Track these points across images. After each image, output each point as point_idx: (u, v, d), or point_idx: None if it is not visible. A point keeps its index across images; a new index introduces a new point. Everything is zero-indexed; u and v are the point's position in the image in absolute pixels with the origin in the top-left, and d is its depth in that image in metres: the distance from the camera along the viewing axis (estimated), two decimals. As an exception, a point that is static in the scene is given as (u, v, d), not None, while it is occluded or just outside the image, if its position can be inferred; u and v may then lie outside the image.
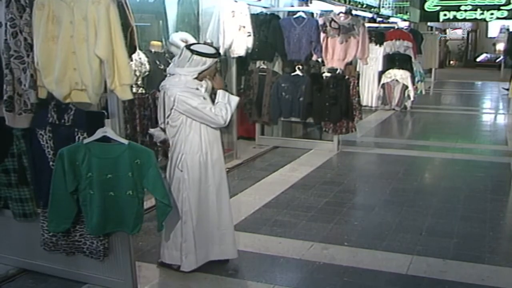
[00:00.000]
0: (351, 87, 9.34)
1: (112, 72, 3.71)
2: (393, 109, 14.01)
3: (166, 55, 6.66)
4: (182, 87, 4.24)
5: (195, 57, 4.24)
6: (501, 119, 14.52)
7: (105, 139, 3.89)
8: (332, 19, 8.81)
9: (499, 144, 10.52)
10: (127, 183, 3.90)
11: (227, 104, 4.38)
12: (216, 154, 4.50)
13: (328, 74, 8.94)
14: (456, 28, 35.53)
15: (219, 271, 4.60)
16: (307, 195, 6.87)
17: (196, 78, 4.29)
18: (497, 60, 30.90)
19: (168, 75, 4.40)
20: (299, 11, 9.13)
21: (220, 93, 4.43)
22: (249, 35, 8.17)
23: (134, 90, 5.94)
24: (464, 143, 10.50)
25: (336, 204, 6.49)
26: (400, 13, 20.45)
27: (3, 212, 4.55)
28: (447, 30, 35.41)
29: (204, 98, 4.30)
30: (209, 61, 4.27)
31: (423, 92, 16.27)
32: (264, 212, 6.21)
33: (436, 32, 23.28)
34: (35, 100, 3.93)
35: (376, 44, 13.54)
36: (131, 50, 4.11)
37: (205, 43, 4.70)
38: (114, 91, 3.78)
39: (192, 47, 4.31)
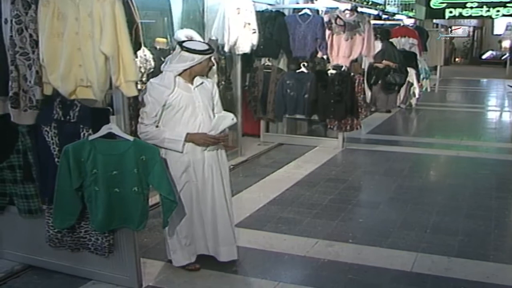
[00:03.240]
0: (356, 84, 9.34)
1: (117, 68, 3.71)
2: (398, 107, 13.98)
3: (171, 52, 6.66)
4: (158, 81, 4.31)
5: (183, 53, 4.22)
6: (507, 117, 14.50)
7: (110, 135, 3.89)
8: (338, 16, 8.79)
9: (504, 142, 10.52)
10: (133, 179, 3.90)
11: (162, 139, 4.23)
12: (193, 155, 4.33)
13: (333, 71, 8.92)
14: (457, 27, 35.22)
15: (223, 268, 4.59)
16: (312, 192, 6.87)
17: (184, 75, 4.29)
18: (503, 58, 30.88)
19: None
20: (304, 8, 9.14)
21: (176, 135, 4.25)
22: (254, 32, 8.16)
23: (139, 86, 5.94)
24: (469, 140, 10.46)
25: (341, 201, 6.49)
26: (406, 10, 20.43)
27: (8, 208, 4.56)
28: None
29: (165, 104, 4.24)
30: (197, 57, 4.22)
31: (429, 90, 16.23)
32: (269, 209, 6.21)
33: (442, 30, 23.22)
34: (40, 97, 3.94)
35: (381, 42, 13.50)
36: (136, 47, 4.10)
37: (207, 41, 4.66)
38: (120, 87, 3.79)
39: (183, 43, 4.30)
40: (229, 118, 4.42)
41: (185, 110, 4.26)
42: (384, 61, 12.07)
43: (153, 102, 4.21)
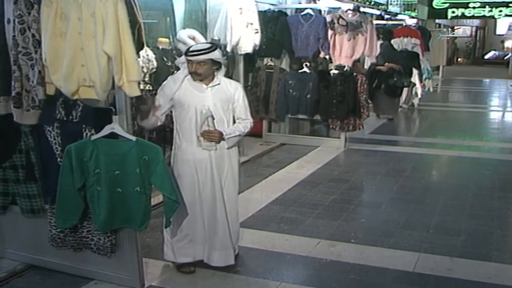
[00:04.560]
0: (358, 84, 9.33)
1: (120, 68, 3.71)
2: (401, 107, 13.94)
3: (174, 52, 6.67)
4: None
5: None
6: (509, 117, 14.49)
7: (112, 135, 3.90)
8: (340, 16, 8.80)
9: (506, 142, 10.49)
10: (135, 179, 3.91)
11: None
12: (193, 155, 4.34)
13: (336, 71, 8.93)
14: (459, 27, 35.04)
15: (226, 268, 4.58)
16: (314, 192, 6.87)
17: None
18: (505, 58, 30.82)
19: None
20: (306, 8, 9.14)
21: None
22: (257, 32, 8.16)
23: (142, 86, 5.95)
24: (472, 140, 10.47)
25: (343, 201, 6.49)
26: (408, 10, 20.40)
27: (11, 208, 4.57)
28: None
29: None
30: (183, 57, 4.37)
31: (431, 90, 16.21)
32: (271, 209, 6.21)
33: (445, 30, 23.15)
34: (43, 97, 3.94)
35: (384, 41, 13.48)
36: (138, 46, 4.11)
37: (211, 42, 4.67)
38: (122, 87, 3.79)
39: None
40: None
41: (193, 109, 4.28)
42: (386, 64, 11.87)
43: (161, 95, 4.36)
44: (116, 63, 3.69)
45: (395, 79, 11.82)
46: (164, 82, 4.43)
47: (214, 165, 4.38)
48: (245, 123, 4.54)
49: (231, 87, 4.49)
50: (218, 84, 4.39)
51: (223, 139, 4.36)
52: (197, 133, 4.29)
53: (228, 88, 4.45)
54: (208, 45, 4.33)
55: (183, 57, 4.38)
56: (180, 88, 4.31)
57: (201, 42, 5.24)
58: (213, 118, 4.30)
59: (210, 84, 4.35)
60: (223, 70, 4.49)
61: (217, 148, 4.37)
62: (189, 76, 4.33)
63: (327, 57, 9.17)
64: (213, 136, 4.29)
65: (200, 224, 4.46)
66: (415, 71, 13.44)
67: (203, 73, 4.29)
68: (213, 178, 4.39)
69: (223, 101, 4.40)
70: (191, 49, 4.27)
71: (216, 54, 4.32)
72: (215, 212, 4.44)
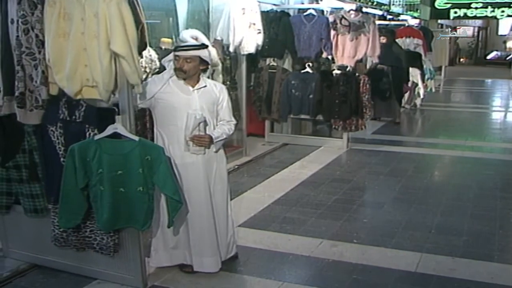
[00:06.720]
0: (361, 84, 9.33)
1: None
2: (403, 107, 13.94)
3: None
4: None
5: None
6: (511, 117, 14.45)
7: (116, 135, 3.90)
8: (343, 17, 8.81)
9: (508, 142, 10.48)
10: (138, 179, 3.91)
11: None
12: (181, 159, 4.28)
13: (338, 72, 8.93)
14: (459, 27, 34.90)
15: (228, 267, 4.60)
16: (317, 192, 6.87)
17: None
18: (508, 58, 30.79)
19: None
20: (309, 8, 9.15)
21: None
22: (259, 32, 8.16)
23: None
24: (474, 141, 10.47)
25: (345, 202, 6.49)
26: (411, 10, 20.41)
27: (14, 208, 4.58)
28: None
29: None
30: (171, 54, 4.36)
31: (433, 90, 16.19)
32: (273, 209, 6.21)
33: (447, 30, 23.15)
34: (46, 97, 3.96)
35: (386, 42, 13.46)
36: (141, 47, 4.11)
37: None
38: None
39: None
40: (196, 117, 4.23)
41: (180, 111, 4.22)
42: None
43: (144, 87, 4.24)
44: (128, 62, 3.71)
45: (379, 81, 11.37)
46: (149, 79, 4.41)
47: (203, 169, 4.34)
48: (230, 125, 4.49)
49: (216, 89, 4.44)
50: (205, 86, 4.35)
51: (213, 143, 4.33)
52: (185, 137, 4.23)
53: (213, 90, 4.41)
54: (198, 43, 4.32)
55: (170, 55, 4.35)
56: (164, 89, 4.24)
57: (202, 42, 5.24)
58: (206, 124, 4.27)
59: (196, 86, 4.31)
60: (208, 72, 4.46)
61: (205, 152, 4.33)
62: (173, 78, 4.28)
63: (329, 57, 9.18)
64: (204, 141, 4.25)
65: (184, 227, 4.44)
66: (417, 71, 13.45)
67: (188, 71, 4.23)
68: (202, 182, 4.35)
69: (209, 103, 4.36)
70: (181, 44, 4.26)
71: (205, 53, 4.31)
72: (203, 217, 4.39)
